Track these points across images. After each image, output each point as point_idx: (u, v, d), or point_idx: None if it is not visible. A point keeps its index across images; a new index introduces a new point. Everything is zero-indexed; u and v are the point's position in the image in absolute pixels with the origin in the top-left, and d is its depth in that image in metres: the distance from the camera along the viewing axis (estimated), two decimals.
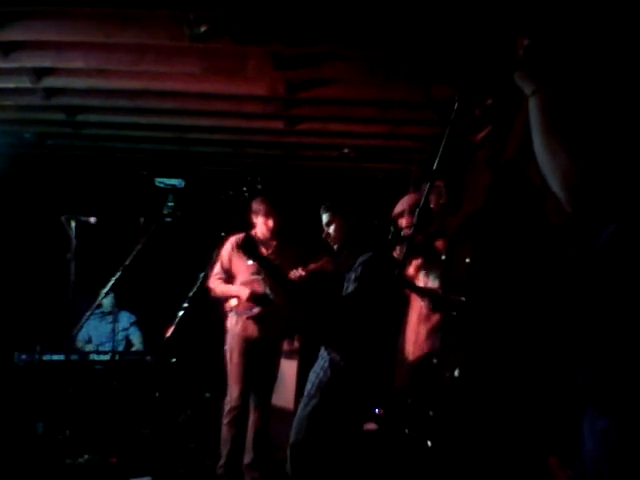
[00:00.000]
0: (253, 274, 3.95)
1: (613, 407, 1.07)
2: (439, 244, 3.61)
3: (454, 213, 4.89)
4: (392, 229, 2.84)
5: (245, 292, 3.98)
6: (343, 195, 3.10)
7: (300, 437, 2.73)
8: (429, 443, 2.31)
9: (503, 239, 2.31)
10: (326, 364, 2.76)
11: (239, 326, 4.02)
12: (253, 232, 4.07)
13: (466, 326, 2.30)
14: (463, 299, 2.30)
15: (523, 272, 2.18)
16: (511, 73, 1.25)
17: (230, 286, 4.08)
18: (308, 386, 2.82)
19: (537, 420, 2.19)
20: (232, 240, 4.03)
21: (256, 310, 3.98)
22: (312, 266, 3.94)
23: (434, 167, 1.76)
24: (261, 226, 4.04)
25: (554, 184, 1.11)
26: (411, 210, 3.62)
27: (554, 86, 1.15)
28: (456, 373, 2.26)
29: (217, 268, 4.06)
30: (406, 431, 2.46)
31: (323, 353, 2.84)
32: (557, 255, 2.01)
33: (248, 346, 4.01)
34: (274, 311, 3.96)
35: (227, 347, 4.09)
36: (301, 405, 2.82)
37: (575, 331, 1.19)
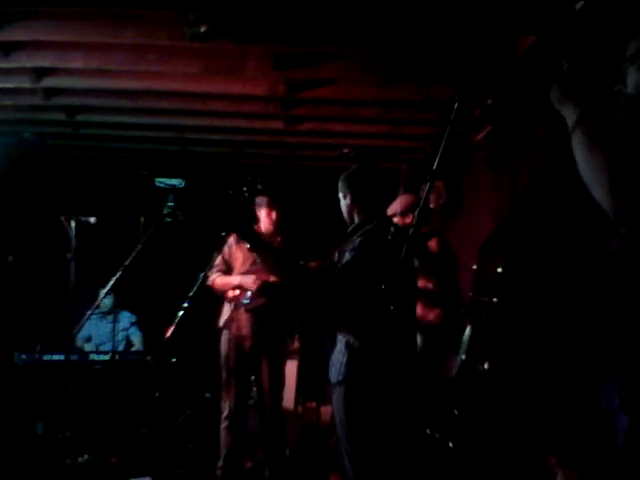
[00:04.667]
0: (252, 264, 3.93)
1: (634, 403, 1.08)
2: (432, 244, 3.63)
3: (454, 213, 4.91)
4: (392, 229, 2.84)
5: (248, 280, 3.92)
6: (359, 171, 3.02)
7: (344, 425, 2.71)
8: (450, 444, 2.31)
9: (537, 245, 2.33)
10: (343, 347, 2.75)
11: (235, 326, 3.96)
12: (257, 226, 4.05)
13: (497, 327, 2.30)
14: (495, 300, 2.31)
15: (555, 275, 2.20)
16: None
17: (231, 277, 4.03)
18: (332, 372, 2.80)
19: (541, 420, 2.20)
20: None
21: (260, 300, 3.91)
22: (313, 264, 3.91)
23: (434, 167, 1.76)
24: (265, 219, 4.02)
25: (598, 195, 1.14)
26: (403, 212, 3.63)
27: (595, 106, 1.17)
28: (486, 366, 2.26)
29: (218, 260, 4.03)
30: (427, 431, 2.46)
31: (339, 337, 2.82)
32: (587, 259, 2.02)
33: (244, 350, 3.95)
34: (274, 307, 3.93)
35: (221, 352, 4.00)
36: (333, 394, 2.80)
37: (602, 331, 1.21)
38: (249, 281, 3.89)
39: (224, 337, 3.98)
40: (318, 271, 2.93)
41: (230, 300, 3.98)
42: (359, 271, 2.64)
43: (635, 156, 1.09)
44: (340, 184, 2.96)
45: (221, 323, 4.00)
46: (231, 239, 4.01)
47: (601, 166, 1.13)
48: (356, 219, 2.90)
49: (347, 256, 2.73)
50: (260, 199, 4.00)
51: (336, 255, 2.87)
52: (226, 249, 4.03)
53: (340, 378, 2.69)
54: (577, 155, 1.18)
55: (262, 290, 3.87)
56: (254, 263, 3.97)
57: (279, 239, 4.06)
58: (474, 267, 2.52)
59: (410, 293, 2.87)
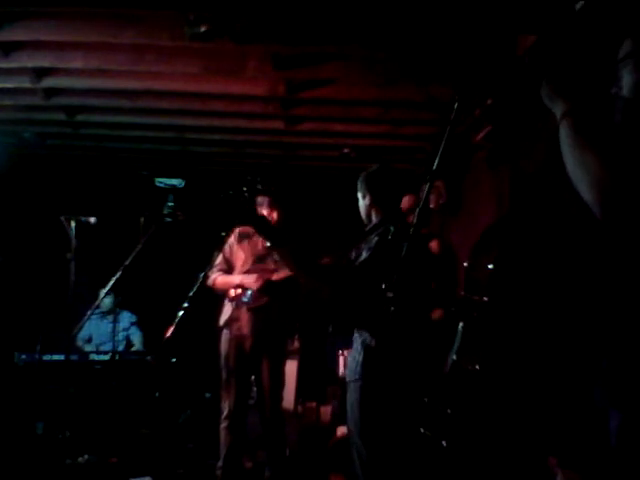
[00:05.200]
0: (254, 263, 3.94)
1: (624, 400, 1.08)
2: (433, 245, 3.64)
3: (454, 213, 4.91)
4: (392, 229, 2.84)
5: (250, 279, 3.92)
6: (379, 172, 3.06)
7: (358, 421, 2.73)
8: (444, 443, 2.31)
9: (528, 244, 2.33)
10: (359, 346, 2.77)
11: (235, 325, 3.95)
12: None
13: (488, 325, 2.31)
14: (485, 299, 2.31)
15: (547, 274, 2.20)
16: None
17: (232, 276, 4.03)
18: (348, 372, 2.82)
19: (539, 420, 2.20)
20: (235, 231, 4.02)
21: (262, 299, 3.91)
22: (325, 260, 3.91)
23: (434, 167, 1.76)
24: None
25: (584, 191, 1.14)
26: (404, 212, 3.63)
27: (584, 101, 1.18)
28: (477, 367, 2.27)
29: (219, 259, 4.03)
30: (421, 430, 2.46)
31: (356, 335, 2.83)
32: (579, 257, 2.02)
33: (244, 350, 3.95)
34: (276, 307, 3.93)
35: (221, 351, 4.00)
36: (348, 393, 2.82)
37: (595, 329, 1.22)
38: (250, 280, 3.89)
39: (224, 337, 3.97)
40: (335, 268, 2.95)
41: (232, 299, 3.97)
42: (375, 270, 2.65)
43: (631, 156, 1.09)
44: (359, 184, 2.99)
45: (221, 322, 4.00)
46: (232, 238, 4.01)
47: (586, 160, 1.12)
48: (374, 219, 2.92)
49: (364, 255, 2.75)
50: (261, 199, 4.00)
51: (353, 253, 2.89)
52: (227, 248, 4.03)
53: (356, 377, 2.71)
54: (563, 149, 1.18)
55: (263, 289, 3.87)
56: (255, 262, 3.97)
57: None
58: (465, 264, 2.52)
59: (417, 293, 2.88)
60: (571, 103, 1.17)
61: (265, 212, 4.01)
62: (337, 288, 2.82)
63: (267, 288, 3.88)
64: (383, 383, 2.66)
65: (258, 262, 3.97)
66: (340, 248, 3.13)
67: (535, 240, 2.33)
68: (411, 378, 2.69)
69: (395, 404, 2.67)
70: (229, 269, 4.03)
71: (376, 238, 2.77)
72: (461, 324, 2.42)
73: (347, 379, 2.80)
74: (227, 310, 4.01)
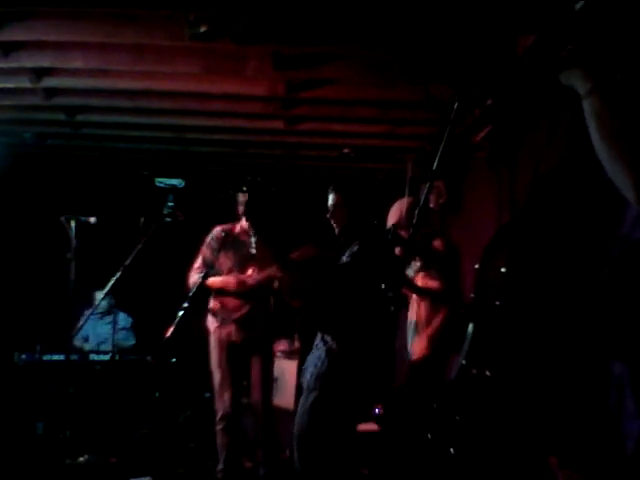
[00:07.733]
0: (241, 266, 3.94)
1: None
2: (437, 244, 3.62)
3: (454, 213, 4.90)
4: (391, 230, 2.84)
5: (231, 280, 3.93)
6: (352, 184, 3.14)
7: (304, 430, 2.74)
8: (452, 450, 2.31)
9: (543, 246, 2.32)
10: (323, 354, 2.76)
11: (224, 331, 3.97)
12: (239, 225, 4.05)
13: (500, 330, 2.30)
14: (497, 303, 2.31)
15: (563, 278, 2.19)
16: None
17: (214, 278, 3.97)
18: (307, 377, 2.81)
19: (540, 420, 2.19)
20: (216, 232, 4.01)
21: (243, 311, 3.94)
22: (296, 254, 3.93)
23: (434, 167, 1.77)
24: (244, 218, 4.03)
25: (620, 181, 1.10)
26: (401, 224, 3.61)
27: (611, 82, 1.15)
28: (488, 372, 2.26)
29: (198, 262, 4.02)
30: (429, 436, 2.46)
31: (319, 343, 2.83)
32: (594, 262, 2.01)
33: (235, 351, 3.96)
34: (259, 311, 3.94)
35: (212, 353, 4.01)
36: (302, 399, 2.83)
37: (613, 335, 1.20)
38: (230, 281, 3.90)
39: (213, 341, 4.00)
40: (317, 262, 2.99)
41: (213, 313, 4.00)
42: (352, 275, 2.67)
43: None
44: (333, 194, 3.10)
45: (210, 327, 4.02)
46: (210, 239, 4.00)
47: (621, 137, 1.09)
48: (347, 223, 2.95)
49: (344, 259, 2.76)
50: (242, 197, 3.99)
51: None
52: (208, 251, 4.01)
53: (316, 386, 2.71)
54: (594, 127, 1.13)
55: (244, 295, 3.89)
56: (240, 270, 3.97)
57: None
58: (476, 266, 2.51)
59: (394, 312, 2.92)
60: (599, 80, 1.15)
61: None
62: (317, 283, 2.85)
63: (247, 295, 3.90)
64: (338, 400, 2.67)
65: (240, 269, 3.98)
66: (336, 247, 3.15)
67: (550, 242, 2.32)
68: (366, 393, 2.72)
69: (343, 423, 2.68)
70: (215, 274, 4.00)
71: (357, 246, 2.80)
72: (471, 326, 2.42)
73: (304, 385, 2.80)
74: (214, 321, 4.04)
